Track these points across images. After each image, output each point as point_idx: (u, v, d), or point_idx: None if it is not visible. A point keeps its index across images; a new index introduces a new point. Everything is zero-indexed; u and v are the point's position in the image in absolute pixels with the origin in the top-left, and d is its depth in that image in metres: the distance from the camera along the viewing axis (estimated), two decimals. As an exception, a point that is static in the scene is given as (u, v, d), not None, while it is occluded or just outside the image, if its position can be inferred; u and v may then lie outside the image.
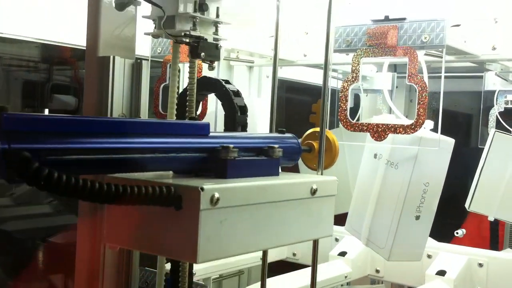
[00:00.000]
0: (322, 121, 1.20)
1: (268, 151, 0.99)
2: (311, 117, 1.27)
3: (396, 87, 2.45)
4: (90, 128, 0.79)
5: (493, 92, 2.13)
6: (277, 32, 1.28)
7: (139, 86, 1.07)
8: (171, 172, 0.93)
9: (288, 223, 0.96)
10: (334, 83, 2.04)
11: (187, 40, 1.07)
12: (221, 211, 0.83)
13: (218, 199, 0.82)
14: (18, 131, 0.70)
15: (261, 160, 0.97)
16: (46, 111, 2.61)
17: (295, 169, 1.27)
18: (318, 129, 1.24)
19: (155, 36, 1.12)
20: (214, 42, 1.12)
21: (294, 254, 2.08)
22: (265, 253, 1.27)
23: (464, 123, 3.12)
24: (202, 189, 0.80)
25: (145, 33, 1.12)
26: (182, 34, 1.07)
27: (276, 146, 0.99)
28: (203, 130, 0.93)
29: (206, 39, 1.09)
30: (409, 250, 1.51)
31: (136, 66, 1.06)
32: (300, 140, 1.20)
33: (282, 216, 0.94)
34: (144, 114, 1.09)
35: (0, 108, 0.70)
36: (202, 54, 1.07)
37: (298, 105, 2.68)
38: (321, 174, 1.17)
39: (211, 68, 1.13)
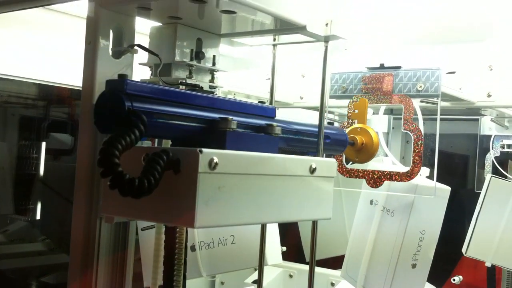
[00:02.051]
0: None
1: (267, 129, 0.99)
2: (352, 114, 1.38)
3: (393, 128, 2.45)
4: (190, 100, 0.92)
5: (489, 136, 2.14)
6: (273, 79, 1.29)
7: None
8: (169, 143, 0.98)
9: (287, 199, 0.96)
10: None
11: (183, 88, 1.07)
12: (219, 177, 0.83)
13: (216, 163, 0.82)
14: (137, 94, 0.85)
15: (260, 136, 0.98)
16: (43, 144, 2.61)
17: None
18: (360, 125, 1.34)
19: (151, 83, 1.12)
20: (210, 89, 1.12)
21: (289, 298, 2.05)
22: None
23: (460, 164, 3.11)
24: (201, 151, 0.81)
25: (142, 80, 1.12)
26: (178, 82, 1.07)
27: (275, 124, 1.00)
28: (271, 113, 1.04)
29: (202, 87, 1.09)
30: (405, 299, 1.49)
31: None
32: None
33: (281, 191, 0.95)
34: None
35: (122, 75, 0.88)
36: (198, 102, 1.07)
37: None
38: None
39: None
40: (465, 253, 1.88)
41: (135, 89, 0.85)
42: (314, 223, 1.21)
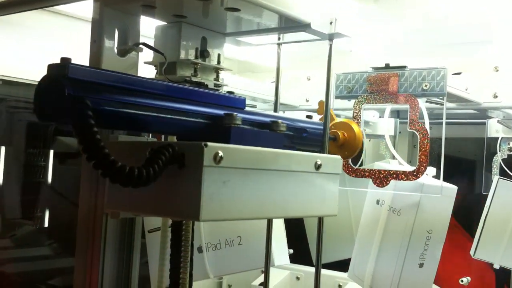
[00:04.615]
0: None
1: (272, 126, 0.99)
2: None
3: (400, 132, 2.44)
4: (140, 86, 0.88)
5: (496, 139, 2.13)
6: (277, 78, 1.30)
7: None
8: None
9: (292, 195, 0.96)
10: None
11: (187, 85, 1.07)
12: (224, 171, 0.84)
13: (221, 157, 0.82)
14: (80, 80, 0.79)
15: (265, 133, 0.98)
16: (51, 152, 2.62)
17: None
18: (343, 119, 1.33)
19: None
20: (215, 88, 1.13)
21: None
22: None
23: (468, 169, 3.10)
24: (206, 145, 0.81)
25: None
26: (183, 80, 1.08)
27: (280, 121, 1.00)
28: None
29: (207, 85, 1.10)
30: (412, 299, 1.48)
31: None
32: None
33: (286, 187, 0.95)
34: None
35: (66, 58, 0.79)
36: (203, 100, 1.08)
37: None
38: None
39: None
40: (473, 255, 1.87)
41: (78, 74, 0.80)
42: (320, 220, 1.21)
